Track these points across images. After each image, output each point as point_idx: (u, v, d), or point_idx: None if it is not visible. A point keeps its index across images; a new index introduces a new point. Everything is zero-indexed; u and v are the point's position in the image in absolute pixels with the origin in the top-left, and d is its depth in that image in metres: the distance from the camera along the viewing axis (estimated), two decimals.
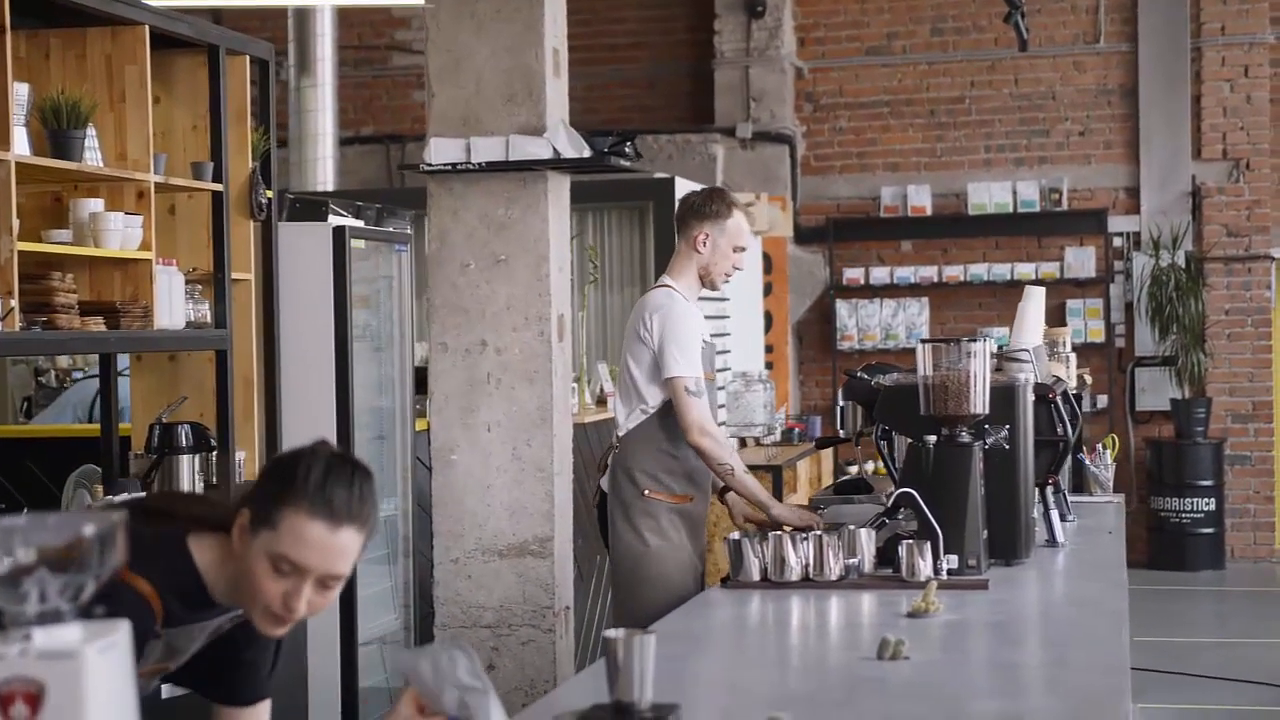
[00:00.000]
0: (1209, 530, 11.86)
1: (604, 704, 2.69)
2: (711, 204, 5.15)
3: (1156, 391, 12.15)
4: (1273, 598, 11.30)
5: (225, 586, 2.62)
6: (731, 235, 5.12)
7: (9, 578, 1.74)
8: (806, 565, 4.13)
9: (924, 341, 4.33)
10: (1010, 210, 12.30)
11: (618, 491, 5.08)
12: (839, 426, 5.08)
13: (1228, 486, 12.04)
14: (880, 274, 12.45)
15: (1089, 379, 9.32)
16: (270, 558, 2.51)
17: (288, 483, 2.52)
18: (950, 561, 4.13)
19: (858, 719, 2.84)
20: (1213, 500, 11.85)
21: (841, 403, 5.01)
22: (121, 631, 1.80)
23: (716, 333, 10.01)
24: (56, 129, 4.81)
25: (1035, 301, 5.54)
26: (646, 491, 5.02)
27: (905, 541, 4.11)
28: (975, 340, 4.31)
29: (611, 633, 2.67)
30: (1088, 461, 6.22)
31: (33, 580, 1.75)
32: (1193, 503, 11.82)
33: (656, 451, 5.03)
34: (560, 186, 5.54)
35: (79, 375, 8.15)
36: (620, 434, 5.12)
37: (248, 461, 5.77)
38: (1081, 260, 12.22)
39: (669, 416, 5.04)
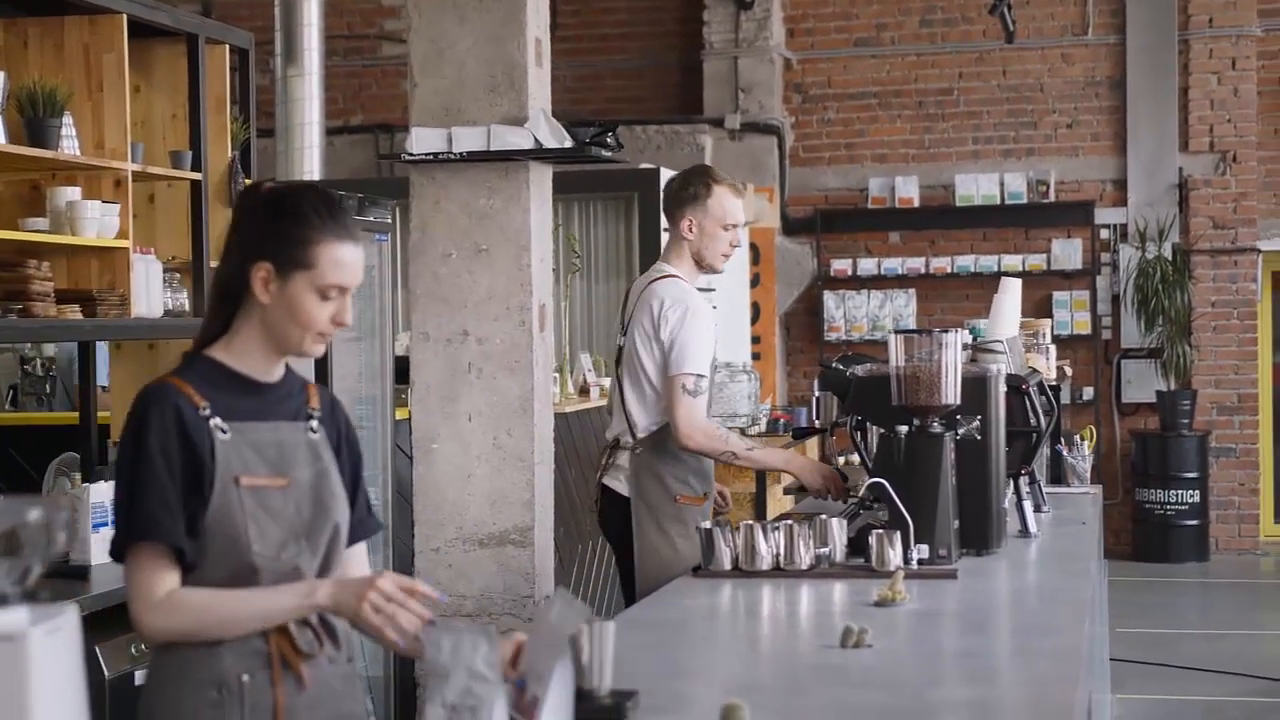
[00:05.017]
0: (1194, 522, 11.88)
1: None
2: (689, 187, 5.03)
3: (1142, 383, 12.17)
4: (1256, 589, 11.33)
5: (259, 352, 2.82)
6: (716, 215, 4.98)
7: None
8: (777, 555, 4.14)
9: (897, 332, 4.34)
10: (998, 202, 12.31)
11: (644, 495, 4.98)
12: (815, 417, 5.08)
13: (1212, 479, 12.06)
14: (868, 265, 12.46)
15: (1069, 371, 9.33)
16: (318, 290, 2.78)
17: (305, 224, 2.77)
18: (921, 551, 4.14)
19: (815, 705, 2.86)
20: (1197, 492, 11.87)
21: (817, 393, 5.01)
22: (68, 615, 1.82)
23: None
24: (33, 117, 4.81)
25: (1011, 293, 5.56)
26: (678, 498, 4.96)
27: (875, 531, 4.12)
28: (947, 332, 4.32)
29: None
30: (1065, 453, 6.23)
31: None
32: (1178, 495, 11.84)
33: (684, 453, 4.96)
34: (542, 177, 5.53)
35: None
36: (639, 434, 5.01)
37: None
38: (1068, 252, 12.23)
39: None
